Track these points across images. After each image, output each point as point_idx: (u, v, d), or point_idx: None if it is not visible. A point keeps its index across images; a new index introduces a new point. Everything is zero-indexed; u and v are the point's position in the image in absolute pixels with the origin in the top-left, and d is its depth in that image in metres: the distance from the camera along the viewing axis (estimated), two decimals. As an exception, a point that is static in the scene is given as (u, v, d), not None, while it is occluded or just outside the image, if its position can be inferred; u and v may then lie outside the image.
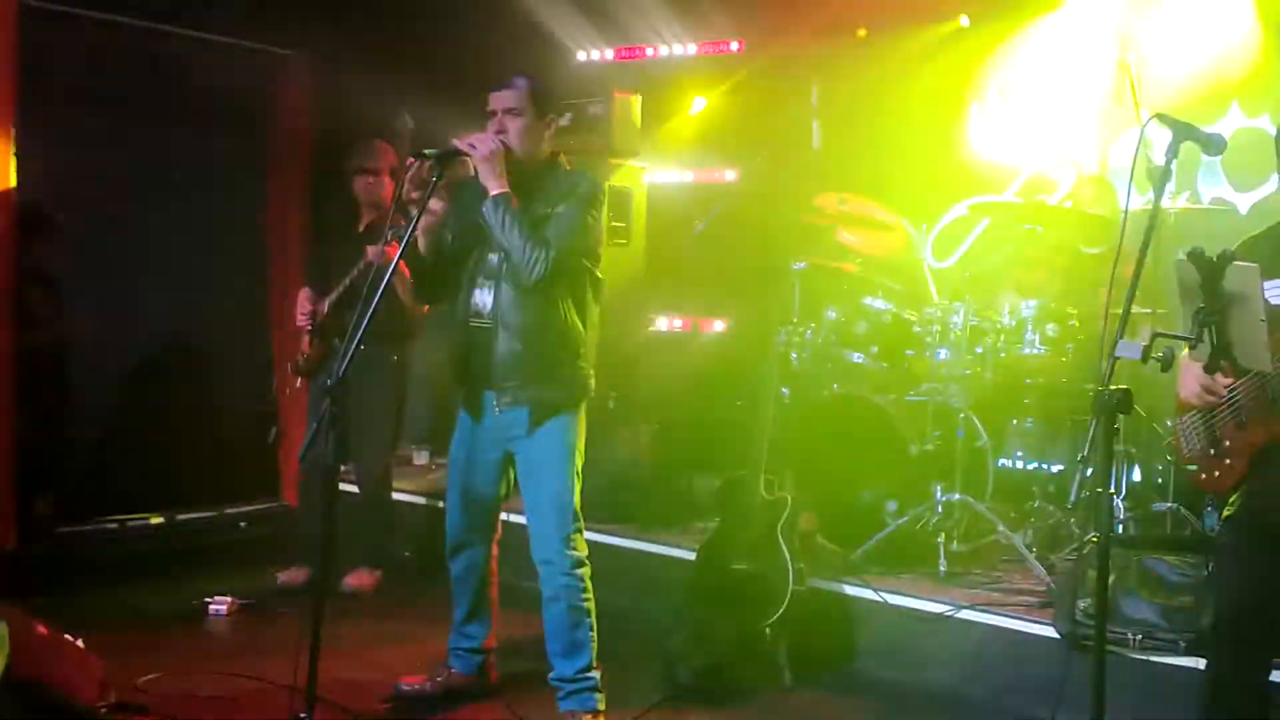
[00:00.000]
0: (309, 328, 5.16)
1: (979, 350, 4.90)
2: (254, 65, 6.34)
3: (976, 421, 4.91)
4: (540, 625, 3.77)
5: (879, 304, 5.18)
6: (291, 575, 5.23)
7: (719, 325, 6.60)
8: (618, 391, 5.79)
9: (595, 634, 3.72)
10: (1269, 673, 3.22)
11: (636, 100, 6.04)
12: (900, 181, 6.16)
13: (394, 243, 4.53)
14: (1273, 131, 5.30)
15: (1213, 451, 3.15)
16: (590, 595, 3.72)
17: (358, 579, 5.21)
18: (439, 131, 4.00)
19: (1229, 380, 3.01)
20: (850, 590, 4.54)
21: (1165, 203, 4.71)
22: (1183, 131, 2.84)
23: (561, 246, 3.55)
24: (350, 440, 5.22)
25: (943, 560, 4.66)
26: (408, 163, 3.47)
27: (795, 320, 5.32)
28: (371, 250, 4.75)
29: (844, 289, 5.37)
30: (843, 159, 6.11)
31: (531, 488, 3.73)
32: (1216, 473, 3.15)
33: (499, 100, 3.65)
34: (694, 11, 6.69)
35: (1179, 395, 3.22)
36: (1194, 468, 3.24)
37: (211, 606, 4.86)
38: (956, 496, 4.77)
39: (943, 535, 4.71)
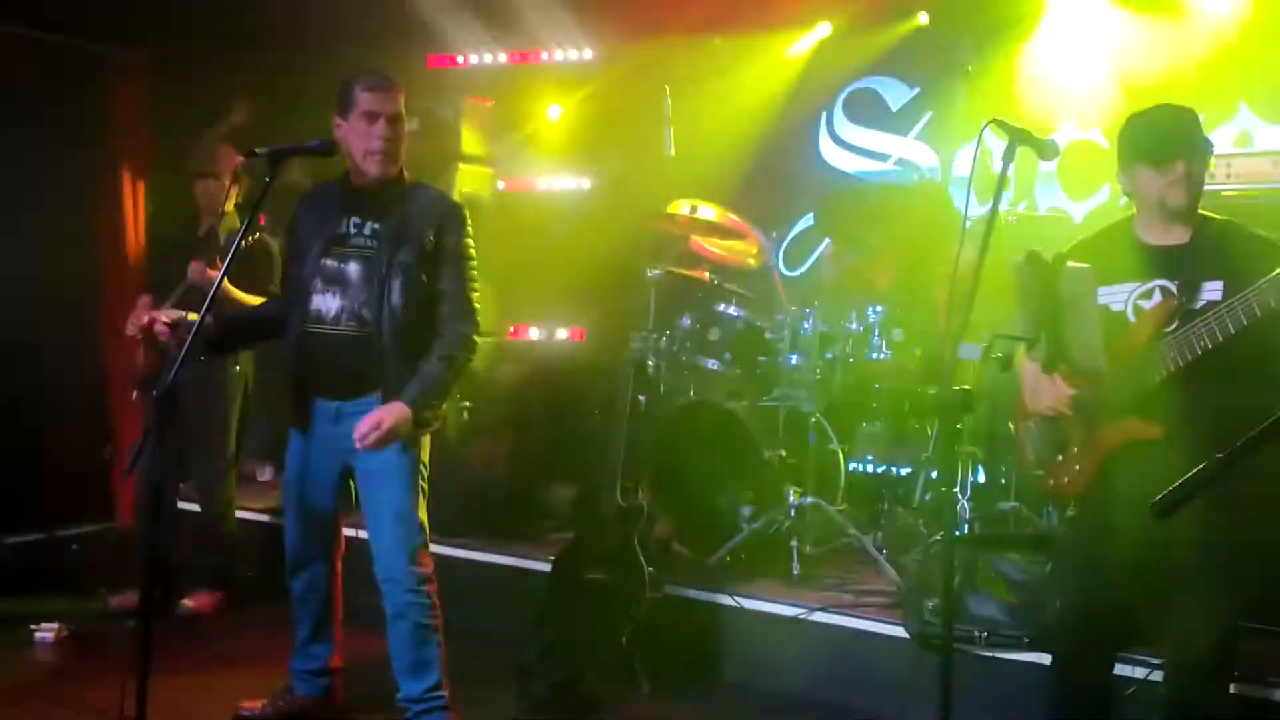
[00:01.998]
0: (139, 337, 4.92)
1: (829, 356, 4.97)
2: (88, 65, 6.06)
3: (827, 425, 4.97)
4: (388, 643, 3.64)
5: (732, 311, 5.21)
6: (126, 598, 4.97)
7: (575, 333, 6.56)
8: (472, 401, 5.69)
9: (443, 651, 3.61)
10: (1111, 667, 3.31)
11: (488, 105, 5.96)
12: (752, 189, 6.22)
13: (218, 261, 4.38)
14: (1105, 144, 5.62)
15: (1060, 457, 3.20)
16: (437, 613, 3.61)
17: (197, 600, 5.00)
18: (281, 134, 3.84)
19: (1070, 389, 3.07)
20: (706, 596, 4.53)
21: (1003, 209, 4.84)
22: (1018, 136, 2.91)
23: (468, 302, 3.57)
24: (190, 455, 5.04)
25: (796, 563, 4.69)
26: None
27: (650, 328, 5.30)
28: (194, 269, 4.58)
29: (698, 297, 5.38)
30: (696, 166, 6.14)
31: (372, 502, 3.59)
32: (1066, 479, 3.18)
33: (387, 103, 3.50)
34: (547, 18, 6.64)
35: (1023, 402, 3.27)
36: (1040, 473, 3.29)
37: (38, 633, 4.59)
38: (809, 500, 4.82)
39: (795, 539, 4.75)
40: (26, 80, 5.68)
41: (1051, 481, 3.24)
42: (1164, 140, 3.08)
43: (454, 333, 3.54)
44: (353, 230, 3.56)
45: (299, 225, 3.68)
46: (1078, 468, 3.15)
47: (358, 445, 3.42)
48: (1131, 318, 3.07)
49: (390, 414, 3.43)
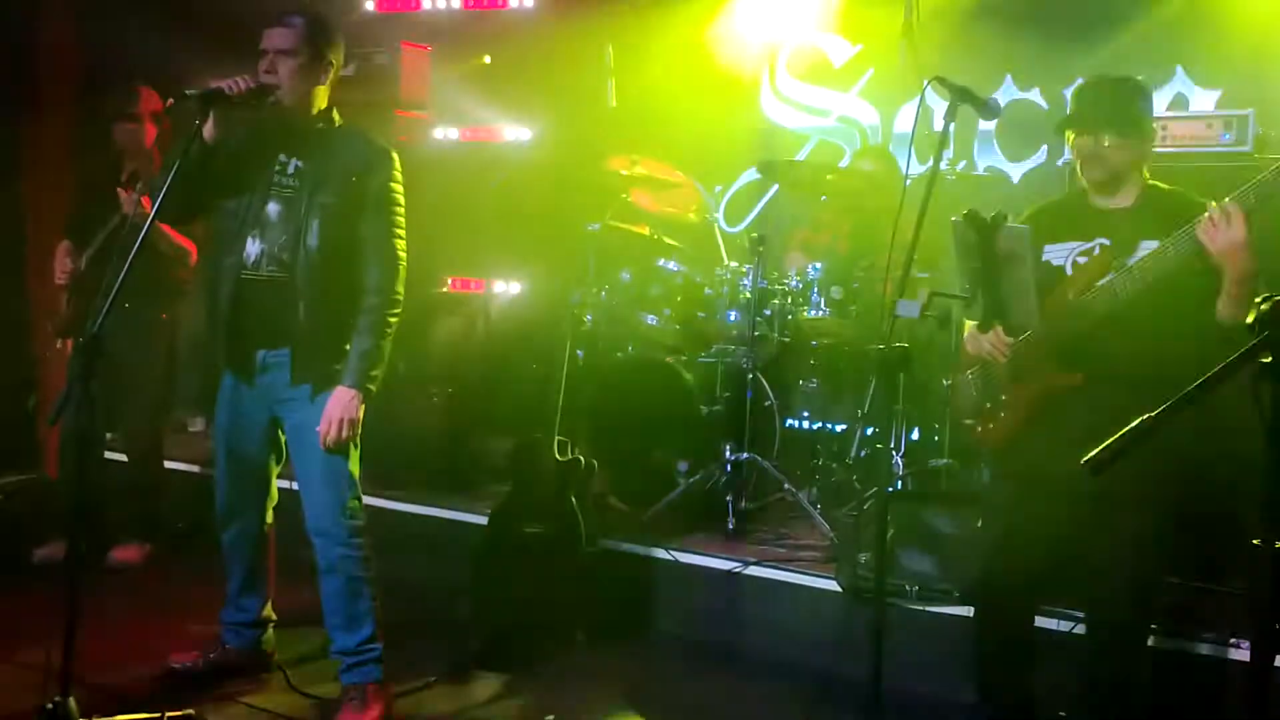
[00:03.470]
0: (66, 284, 4.81)
1: (767, 312, 4.98)
2: (8, 3, 5.85)
3: (764, 382, 4.99)
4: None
5: (672, 266, 5.20)
6: (51, 550, 4.89)
7: (513, 287, 6.50)
8: (408, 354, 5.63)
9: (377, 604, 3.58)
10: (1032, 620, 3.38)
11: (426, 52, 5.86)
12: (694, 144, 6.19)
13: (148, 194, 4.27)
14: (1043, 105, 5.66)
15: (989, 405, 3.27)
16: (370, 565, 3.57)
17: (125, 552, 4.92)
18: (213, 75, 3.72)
19: (1009, 339, 3.14)
20: (642, 550, 4.54)
21: (943, 169, 4.86)
22: (960, 95, 2.92)
23: (392, 250, 3.48)
24: (117, 405, 4.94)
25: (731, 518, 4.72)
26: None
27: (589, 282, 5.28)
28: (126, 199, 4.44)
29: (638, 251, 5.36)
30: (638, 120, 6.09)
31: (303, 454, 3.53)
32: (991, 425, 3.27)
33: (271, 39, 3.41)
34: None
35: (965, 350, 3.33)
36: (970, 422, 3.36)
37: (-41, 586, 4.50)
38: (745, 456, 4.83)
39: (731, 494, 4.77)
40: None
41: (979, 429, 3.33)
42: (1085, 111, 3.15)
43: (377, 291, 3.46)
44: (277, 169, 3.48)
45: (245, 148, 3.51)
46: (1003, 415, 3.25)
47: (323, 447, 3.42)
48: (1069, 272, 3.12)
49: (339, 407, 3.42)
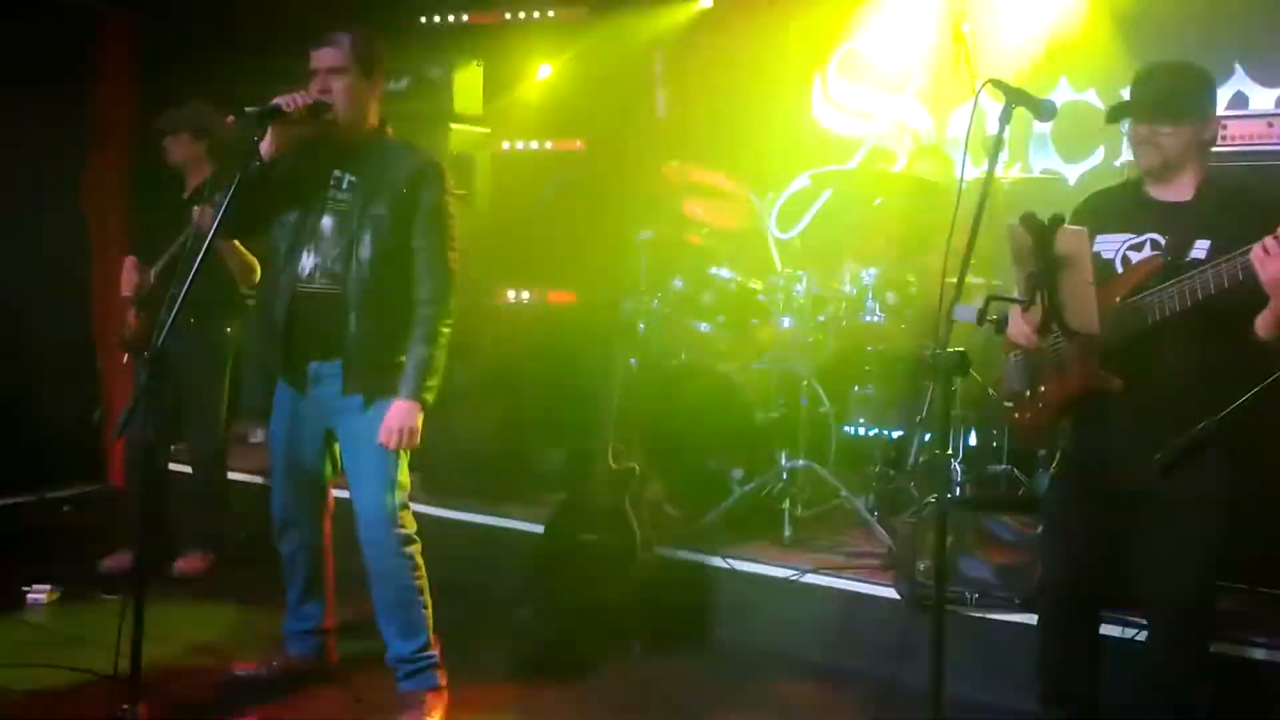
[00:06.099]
0: (132, 298, 4.90)
1: (821, 318, 4.95)
2: (72, 23, 5.98)
3: (819, 389, 4.96)
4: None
5: (724, 273, 5.19)
6: (117, 560, 4.98)
7: (566, 296, 6.54)
8: (463, 364, 5.67)
9: (430, 611, 3.60)
10: (1097, 626, 3.33)
11: (478, 65, 5.91)
12: (745, 151, 6.19)
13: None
14: (1100, 105, 5.59)
15: (1028, 393, 3.23)
16: (422, 573, 3.59)
17: (189, 562, 5.00)
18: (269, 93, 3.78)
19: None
20: (698, 558, 4.54)
21: (998, 172, 4.82)
22: (1015, 97, 2.88)
23: (444, 261, 3.50)
24: (181, 417, 5.02)
25: (788, 526, 4.70)
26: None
27: (642, 290, 5.28)
28: (198, 213, 4.50)
29: (690, 259, 5.35)
30: (687, 128, 6.09)
31: (355, 464, 3.57)
32: (1029, 414, 3.23)
33: (321, 59, 3.46)
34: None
35: (1008, 335, 3.28)
36: (1009, 405, 3.32)
37: (30, 595, 4.58)
38: (801, 463, 4.82)
39: (787, 501, 4.75)
40: (12, 37, 5.60)
41: (1016, 415, 3.29)
42: (1140, 98, 3.07)
43: (429, 302, 3.48)
44: (332, 183, 3.53)
45: (301, 163, 3.56)
46: (1040, 405, 3.20)
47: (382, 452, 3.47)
48: (1119, 268, 3.08)
49: (398, 418, 3.45)
